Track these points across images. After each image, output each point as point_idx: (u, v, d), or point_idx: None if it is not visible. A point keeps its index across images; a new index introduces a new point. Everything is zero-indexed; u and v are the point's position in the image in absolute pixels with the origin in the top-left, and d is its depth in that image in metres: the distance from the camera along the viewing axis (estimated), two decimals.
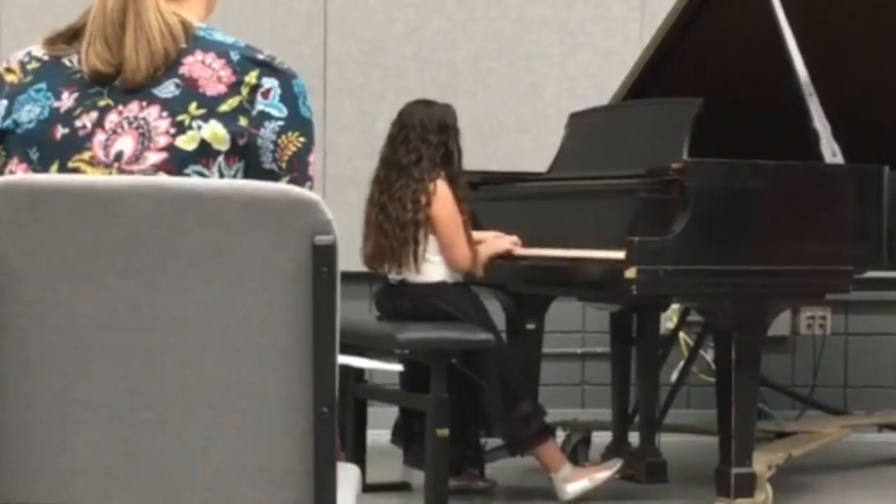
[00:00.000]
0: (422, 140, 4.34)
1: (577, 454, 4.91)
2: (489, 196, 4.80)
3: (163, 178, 1.86)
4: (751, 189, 3.89)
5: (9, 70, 2.02)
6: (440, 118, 4.39)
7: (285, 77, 1.99)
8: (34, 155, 1.94)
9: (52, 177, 1.89)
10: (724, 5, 4.58)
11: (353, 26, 5.81)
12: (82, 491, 1.80)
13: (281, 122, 1.97)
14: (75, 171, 1.91)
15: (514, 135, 5.82)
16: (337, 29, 5.80)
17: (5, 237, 1.76)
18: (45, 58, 2.00)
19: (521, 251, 4.42)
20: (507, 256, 4.42)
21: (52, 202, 1.76)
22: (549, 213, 4.52)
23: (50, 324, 1.77)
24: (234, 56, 1.97)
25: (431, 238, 4.30)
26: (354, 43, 5.81)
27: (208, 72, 1.95)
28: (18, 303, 1.77)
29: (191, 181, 1.85)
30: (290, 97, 1.98)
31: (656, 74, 4.81)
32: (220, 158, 1.93)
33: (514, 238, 4.43)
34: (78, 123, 1.93)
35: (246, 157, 1.95)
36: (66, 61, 1.99)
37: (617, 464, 4.49)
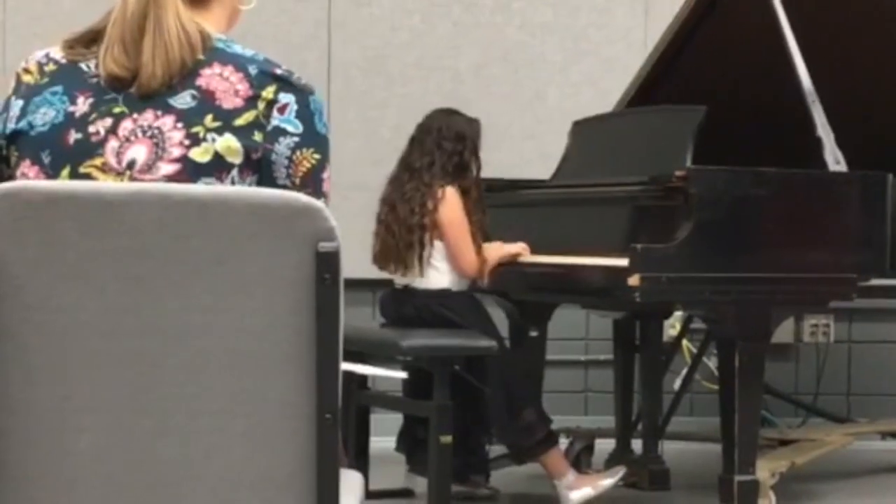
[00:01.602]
0: (436, 145, 4.36)
1: (581, 461, 4.90)
2: (492, 203, 4.79)
3: (167, 185, 1.86)
4: (754, 196, 3.88)
5: (27, 71, 2.02)
6: (459, 128, 4.40)
7: (302, 93, 1.99)
8: (46, 158, 1.94)
9: (55, 183, 1.89)
10: (728, 13, 4.58)
11: (357, 33, 5.81)
12: (84, 498, 1.80)
13: (296, 138, 1.97)
14: (87, 176, 1.91)
15: (517, 142, 5.82)
16: (341, 35, 5.80)
17: (8, 243, 1.76)
18: (63, 61, 2.00)
19: (529, 258, 4.41)
20: (511, 263, 4.42)
21: (55, 209, 1.76)
22: (553, 221, 4.52)
23: (52, 330, 1.77)
24: (252, 70, 1.96)
25: (439, 244, 4.31)
26: (359, 49, 5.81)
27: (225, 85, 1.94)
28: (21, 309, 1.77)
29: (194, 188, 1.85)
30: (306, 113, 1.98)
31: (660, 81, 4.81)
32: (234, 172, 1.93)
33: (522, 245, 4.43)
34: (91, 129, 1.93)
35: (260, 171, 1.95)
36: (83, 65, 1.98)
37: (620, 471, 4.49)
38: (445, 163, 4.34)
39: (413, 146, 4.41)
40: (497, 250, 4.40)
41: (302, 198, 1.80)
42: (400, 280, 4.40)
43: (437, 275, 4.33)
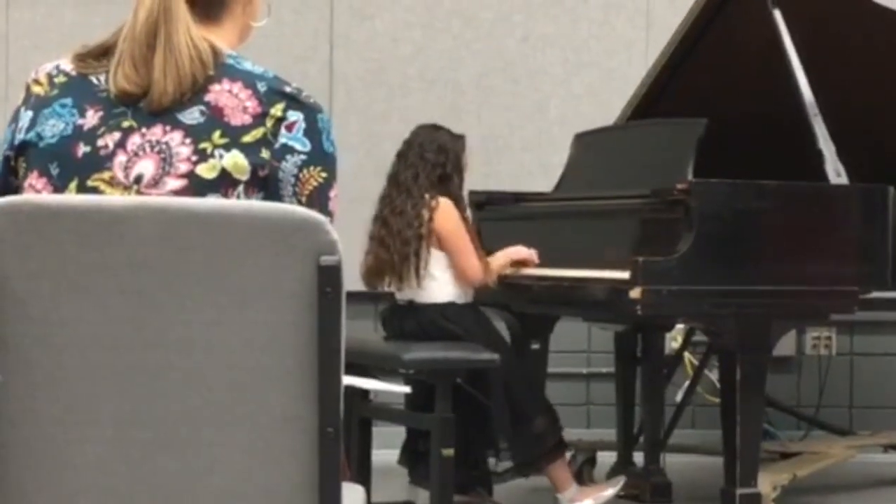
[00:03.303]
0: (419, 158, 4.37)
1: (583, 474, 4.90)
2: (494, 216, 4.80)
3: (168, 199, 1.86)
4: (755, 209, 3.89)
5: (37, 82, 2.02)
6: (441, 141, 4.41)
7: (311, 111, 1.99)
8: (54, 171, 1.94)
9: (57, 197, 1.89)
10: (730, 26, 4.59)
11: (358, 46, 5.82)
12: None
13: (303, 157, 1.97)
14: (94, 190, 1.91)
15: (518, 154, 5.83)
16: (343, 48, 5.81)
17: (10, 257, 1.76)
18: (73, 73, 2.00)
19: (531, 270, 4.41)
20: (514, 274, 4.41)
21: (57, 222, 1.76)
22: (554, 233, 4.52)
23: (54, 343, 1.77)
24: (262, 87, 1.97)
25: (439, 255, 4.30)
26: (360, 62, 5.82)
27: (234, 101, 1.94)
28: (23, 322, 1.77)
29: (196, 201, 1.85)
30: (314, 131, 1.98)
31: (661, 94, 4.82)
32: (240, 188, 1.92)
33: (532, 251, 4.43)
34: (100, 143, 1.93)
35: (266, 188, 1.95)
36: (93, 79, 1.98)
37: (620, 481, 4.49)
38: (429, 173, 4.35)
39: (399, 161, 4.42)
40: (508, 254, 4.41)
41: (303, 211, 1.80)
42: (401, 295, 4.39)
43: (438, 286, 4.32)
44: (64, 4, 5.67)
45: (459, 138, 4.46)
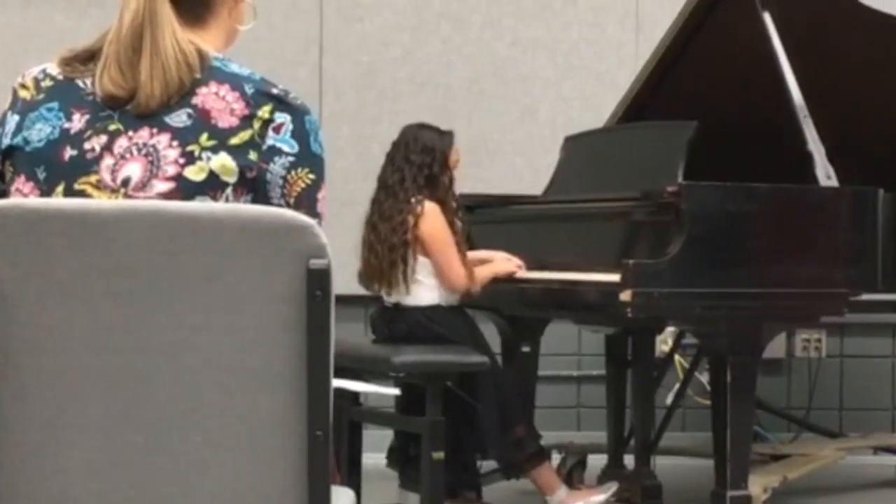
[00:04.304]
0: (405, 160, 4.34)
1: (573, 477, 4.90)
2: (484, 219, 4.80)
3: (156, 203, 1.86)
4: (746, 212, 3.89)
5: (23, 86, 2.02)
6: (427, 140, 4.37)
7: (298, 113, 1.99)
8: (41, 174, 1.94)
9: (46, 201, 1.88)
10: (719, 29, 4.59)
11: (348, 49, 5.82)
12: None
13: (291, 158, 1.97)
14: (81, 193, 1.91)
15: (509, 157, 5.83)
16: (333, 52, 5.81)
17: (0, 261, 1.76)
18: (60, 77, 2.00)
19: (521, 274, 4.41)
20: (504, 279, 4.41)
21: (46, 226, 1.76)
22: (545, 236, 4.52)
23: (43, 347, 1.77)
24: (249, 89, 1.97)
25: (425, 260, 4.30)
26: (350, 66, 5.82)
27: (222, 104, 1.94)
28: (12, 326, 1.76)
29: (185, 205, 1.85)
30: (301, 133, 1.99)
31: (651, 97, 4.82)
32: (228, 190, 1.93)
33: (519, 262, 4.42)
34: (87, 146, 1.93)
35: (254, 190, 1.95)
36: (79, 82, 1.98)
37: (612, 487, 4.48)
38: (416, 176, 4.32)
39: (387, 164, 4.41)
40: (492, 268, 4.40)
41: (292, 214, 1.80)
42: (389, 298, 4.39)
43: (425, 290, 4.31)
44: (54, 9, 5.67)
45: (446, 135, 4.42)
